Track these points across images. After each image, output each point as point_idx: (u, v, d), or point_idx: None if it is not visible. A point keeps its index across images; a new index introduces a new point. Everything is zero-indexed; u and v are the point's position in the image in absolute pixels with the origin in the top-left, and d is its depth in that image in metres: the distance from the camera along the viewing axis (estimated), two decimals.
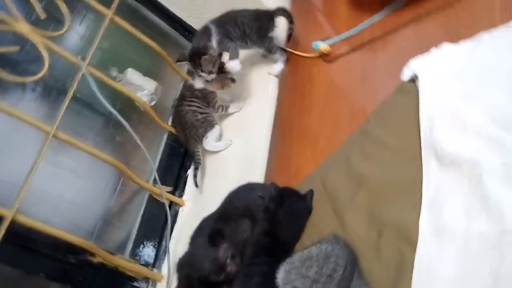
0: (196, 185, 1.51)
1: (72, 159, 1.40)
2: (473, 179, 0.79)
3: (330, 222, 0.98)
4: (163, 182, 1.49)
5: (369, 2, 1.40)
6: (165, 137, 1.70)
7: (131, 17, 1.62)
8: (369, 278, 0.82)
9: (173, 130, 1.66)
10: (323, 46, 1.46)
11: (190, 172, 1.60)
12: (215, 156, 1.57)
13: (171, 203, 1.53)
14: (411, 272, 0.77)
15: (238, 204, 1.18)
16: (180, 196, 1.59)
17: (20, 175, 1.14)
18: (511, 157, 0.77)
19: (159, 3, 1.81)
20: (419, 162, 0.91)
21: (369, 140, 1.06)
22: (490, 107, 0.86)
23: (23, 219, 1.10)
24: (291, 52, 1.63)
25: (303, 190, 1.10)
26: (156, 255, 1.46)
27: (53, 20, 1.39)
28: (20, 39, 1.29)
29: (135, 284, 1.36)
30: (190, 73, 1.74)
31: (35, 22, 1.32)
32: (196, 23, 1.84)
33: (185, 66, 1.76)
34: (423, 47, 1.08)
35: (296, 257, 0.86)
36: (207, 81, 1.52)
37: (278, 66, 1.62)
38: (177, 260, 1.24)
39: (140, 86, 1.61)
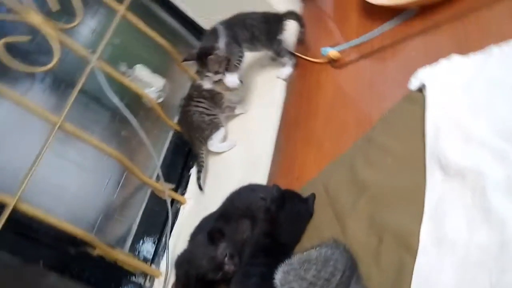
0: (201, 188, 1.51)
1: (77, 151, 1.41)
2: (477, 191, 0.79)
3: (331, 226, 0.98)
4: (166, 179, 1.49)
5: (380, 11, 1.40)
6: (170, 134, 1.71)
7: (143, 14, 1.62)
8: (368, 283, 0.82)
9: (178, 128, 1.66)
10: (332, 52, 1.46)
11: (193, 172, 1.60)
12: (219, 157, 1.57)
13: (173, 201, 1.54)
14: (410, 280, 0.77)
15: (239, 204, 1.18)
16: (182, 194, 1.59)
17: (25, 164, 1.14)
18: None
19: (171, 2, 1.82)
20: (423, 171, 0.91)
21: (374, 147, 1.06)
22: (496, 120, 0.86)
23: (25, 207, 1.10)
24: (300, 57, 1.63)
25: (305, 194, 1.10)
26: (155, 252, 1.46)
27: (66, 12, 1.40)
28: (31, 30, 1.30)
29: (133, 278, 1.36)
30: (198, 73, 1.74)
31: (48, 14, 1.32)
32: (208, 24, 1.83)
33: (195, 66, 1.76)
34: (432, 58, 1.08)
35: (295, 259, 0.86)
36: (215, 81, 1.52)
37: (287, 70, 1.62)
38: (175, 257, 1.23)
39: (148, 83, 1.63)
